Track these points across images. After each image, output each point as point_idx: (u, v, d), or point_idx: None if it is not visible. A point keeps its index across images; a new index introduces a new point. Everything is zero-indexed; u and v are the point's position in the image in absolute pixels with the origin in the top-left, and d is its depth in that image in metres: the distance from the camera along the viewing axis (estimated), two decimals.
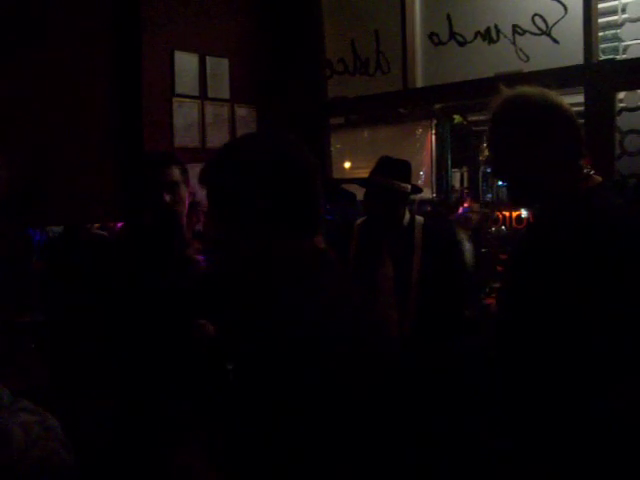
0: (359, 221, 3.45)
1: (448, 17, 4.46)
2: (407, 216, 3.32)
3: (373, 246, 3.29)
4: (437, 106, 4.97)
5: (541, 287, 1.73)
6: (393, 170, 3.26)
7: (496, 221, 5.69)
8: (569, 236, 1.72)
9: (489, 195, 6.38)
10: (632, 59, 3.90)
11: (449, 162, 5.40)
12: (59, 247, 3.62)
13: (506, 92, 1.92)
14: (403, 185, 3.24)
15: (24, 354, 3.12)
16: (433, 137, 5.24)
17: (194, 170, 4.30)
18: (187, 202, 2.69)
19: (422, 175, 5.09)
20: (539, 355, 1.75)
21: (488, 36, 4.29)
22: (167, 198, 2.60)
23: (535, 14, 4.08)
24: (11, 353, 2.98)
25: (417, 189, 3.50)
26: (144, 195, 2.65)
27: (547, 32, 4.04)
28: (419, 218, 3.37)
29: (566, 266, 1.69)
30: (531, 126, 1.84)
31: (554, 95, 1.87)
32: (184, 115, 4.36)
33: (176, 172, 2.65)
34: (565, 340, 1.69)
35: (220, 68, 4.57)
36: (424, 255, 3.22)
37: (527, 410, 1.79)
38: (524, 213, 5.84)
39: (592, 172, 1.87)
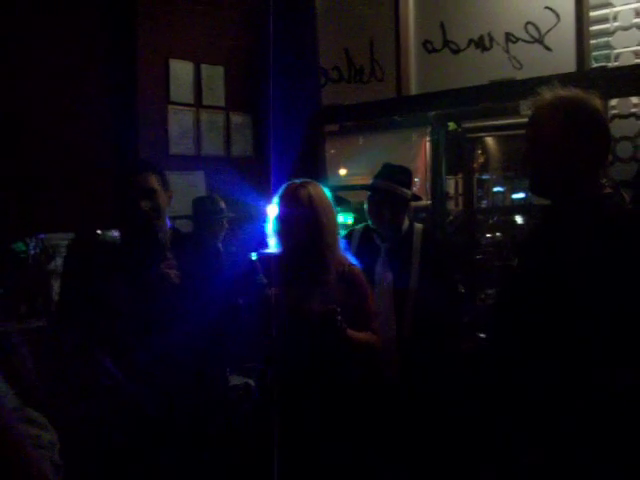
0: (359, 227, 3.48)
1: (442, 25, 4.49)
2: (406, 222, 3.35)
3: (373, 251, 3.32)
4: (431, 113, 4.98)
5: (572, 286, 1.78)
6: (395, 176, 3.31)
7: (491, 227, 5.71)
8: (597, 239, 1.79)
9: (484, 202, 6.39)
10: (624, 67, 3.93)
11: (443, 169, 5.40)
12: (72, 252, 3.63)
13: (557, 90, 1.97)
14: (405, 191, 3.28)
15: (16, 357, 3.12)
16: (427, 144, 5.24)
17: (189, 177, 4.35)
18: (165, 209, 2.72)
19: (417, 182, 5.10)
20: (548, 343, 1.81)
21: (481, 44, 4.32)
22: (144, 205, 2.62)
23: (528, 22, 4.11)
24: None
25: (417, 197, 3.54)
26: (123, 203, 2.68)
27: (540, 40, 4.07)
28: (418, 225, 3.40)
29: (594, 269, 1.74)
30: (574, 129, 1.90)
31: (600, 102, 1.93)
32: (179, 123, 4.38)
33: (153, 179, 2.67)
34: (576, 329, 1.75)
35: (215, 76, 4.59)
36: (422, 261, 3.25)
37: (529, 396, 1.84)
38: (519, 220, 5.86)
39: (605, 182, 1.93)
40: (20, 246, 3.76)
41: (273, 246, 2.86)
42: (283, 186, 2.86)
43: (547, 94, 1.97)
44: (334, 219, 2.85)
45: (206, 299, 2.61)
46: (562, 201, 1.97)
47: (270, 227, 2.86)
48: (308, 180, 2.89)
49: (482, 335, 3.41)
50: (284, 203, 2.81)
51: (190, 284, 2.65)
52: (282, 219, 2.81)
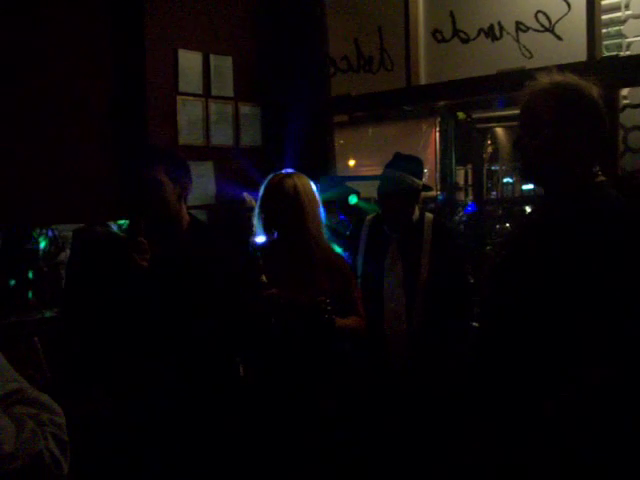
0: (370, 217, 3.48)
1: (451, 14, 4.46)
2: (417, 213, 3.35)
3: (383, 242, 3.32)
4: (441, 103, 4.97)
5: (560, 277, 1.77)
6: (406, 165, 3.30)
7: (500, 219, 5.70)
8: (591, 230, 1.78)
9: (494, 193, 6.38)
10: (635, 55, 3.91)
11: (453, 159, 5.39)
12: (79, 245, 3.64)
13: (553, 76, 1.95)
14: (416, 181, 3.28)
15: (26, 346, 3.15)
16: (437, 134, 5.24)
17: (198, 168, 4.35)
18: (172, 200, 2.69)
19: (426, 172, 5.09)
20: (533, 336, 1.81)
21: (491, 33, 4.29)
22: (146, 196, 2.61)
23: (538, 11, 4.07)
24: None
25: (427, 187, 3.54)
26: (127, 194, 2.68)
27: (550, 29, 4.04)
28: (429, 215, 3.39)
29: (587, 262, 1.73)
30: (568, 115, 1.89)
31: (597, 91, 1.91)
32: (188, 113, 4.38)
33: (158, 170, 2.65)
34: (561, 321, 1.75)
35: (224, 66, 4.58)
36: (433, 251, 3.24)
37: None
38: (529, 210, 5.84)
39: (598, 170, 1.92)
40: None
41: (258, 235, 2.92)
42: (269, 176, 2.91)
43: (543, 79, 1.95)
44: (318, 209, 2.91)
45: (205, 291, 2.60)
46: (552, 189, 1.96)
47: (256, 217, 2.92)
48: (294, 171, 2.95)
49: (475, 324, 3.40)
50: (270, 193, 2.86)
51: (184, 275, 2.63)
52: (267, 209, 2.85)
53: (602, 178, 1.92)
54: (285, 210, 2.81)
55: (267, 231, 2.92)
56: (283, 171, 2.95)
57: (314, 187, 2.93)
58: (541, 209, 2.07)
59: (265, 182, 2.92)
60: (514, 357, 1.85)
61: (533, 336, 1.80)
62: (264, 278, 2.68)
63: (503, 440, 1.88)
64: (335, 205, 4.19)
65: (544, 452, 1.76)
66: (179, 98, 4.34)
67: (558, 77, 1.94)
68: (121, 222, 3.80)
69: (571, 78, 1.93)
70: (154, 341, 2.54)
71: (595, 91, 1.91)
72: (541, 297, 1.79)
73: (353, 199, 4.29)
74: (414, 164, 3.35)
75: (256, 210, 2.94)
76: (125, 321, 2.57)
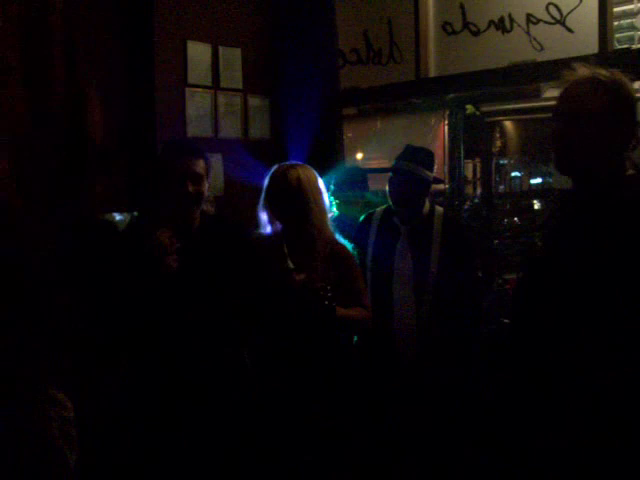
0: (380, 209, 3.47)
1: (461, 6, 4.44)
2: (427, 206, 3.33)
3: (393, 234, 3.31)
4: (450, 96, 4.94)
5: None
6: (418, 157, 3.29)
7: (509, 213, 5.68)
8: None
9: (502, 187, 6.35)
10: None
11: (462, 153, 5.36)
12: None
13: (594, 67, 1.96)
14: (427, 173, 3.26)
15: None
16: (446, 127, 5.21)
17: None
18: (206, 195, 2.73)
19: (435, 165, 5.07)
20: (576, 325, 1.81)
21: (502, 25, 4.27)
22: (190, 188, 2.62)
23: (549, 3, 4.06)
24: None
25: (438, 180, 3.52)
26: (167, 184, 2.66)
27: (561, 21, 4.02)
28: (439, 208, 3.38)
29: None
30: (616, 107, 1.90)
31: (631, 84, 1.92)
32: (197, 105, 4.37)
33: (202, 165, 2.68)
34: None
35: (233, 58, 4.57)
36: (443, 244, 3.23)
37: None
38: (537, 204, 5.82)
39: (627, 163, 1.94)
40: None
41: (263, 226, 2.94)
42: (273, 167, 2.92)
43: (583, 70, 1.95)
44: (322, 200, 2.90)
45: (224, 288, 2.60)
46: (587, 180, 1.95)
47: (260, 207, 2.93)
48: (299, 162, 2.95)
49: (505, 320, 3.40)
50: (273, 184, 2.86)
51: (205, 272, 2.63)
52: (271, 200, 2.86)
53: (632, 171, 1.92)
54: (288, 201, 2.81)
55: (271, 222, 2.93)
56: (288, 162, 2.95)
57: (319, 178, 2.93)
58: (576, 203, 2.05)
59: (270, 173, 2.92)
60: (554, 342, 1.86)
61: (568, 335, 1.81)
62: (291, 264, 2.68)
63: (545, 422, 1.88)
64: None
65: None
66: (188, 90, 4.33)
67: (600, 69, 1.94)
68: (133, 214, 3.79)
69: (613, 71, 1.94)
70: (173, 340, 2.55)
71: (631, 86, 1.92)
72: (577, 291, 1.79)
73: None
74: (425, 156, 3.34)
75: (260, 201, 2.95)
76: (146, 319, 2.56)
